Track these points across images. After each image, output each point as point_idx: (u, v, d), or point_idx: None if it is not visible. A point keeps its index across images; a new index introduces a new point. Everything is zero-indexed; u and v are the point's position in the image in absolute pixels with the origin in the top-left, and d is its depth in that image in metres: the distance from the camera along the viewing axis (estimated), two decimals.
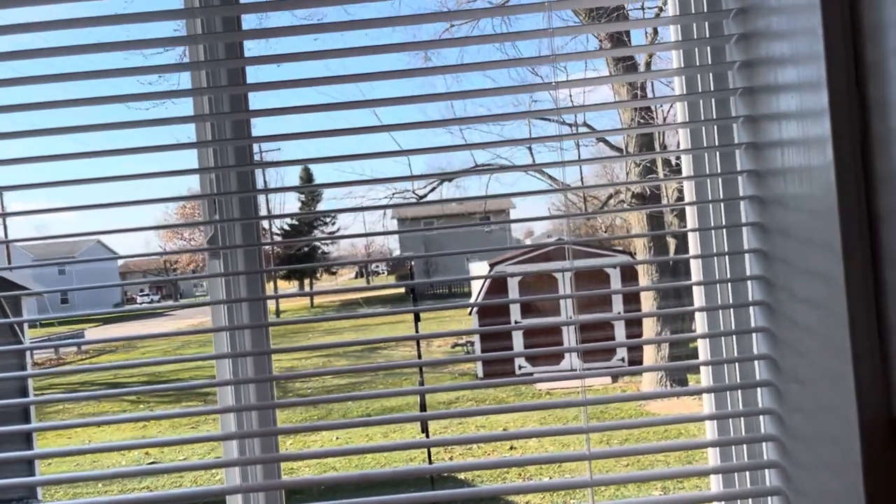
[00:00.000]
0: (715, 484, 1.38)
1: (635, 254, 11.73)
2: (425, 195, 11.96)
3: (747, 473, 1.34)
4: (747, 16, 1.25)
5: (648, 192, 9.92)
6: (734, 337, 1.35)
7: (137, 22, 1.28)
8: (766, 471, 1.32)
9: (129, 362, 1.41)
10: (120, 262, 27.33)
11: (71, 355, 17.69)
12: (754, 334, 1.32)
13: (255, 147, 1.48)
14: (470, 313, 12.53)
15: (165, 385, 1.33)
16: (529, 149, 10.95)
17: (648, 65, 9.43)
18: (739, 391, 1.35)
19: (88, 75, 1.28)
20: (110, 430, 9.92)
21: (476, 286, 12.56)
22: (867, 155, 1.01)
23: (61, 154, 1.27)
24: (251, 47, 1.40)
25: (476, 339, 12.49)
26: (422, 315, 13.06)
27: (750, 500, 1.33)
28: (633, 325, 10.98)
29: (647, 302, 9.72)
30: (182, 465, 1.33)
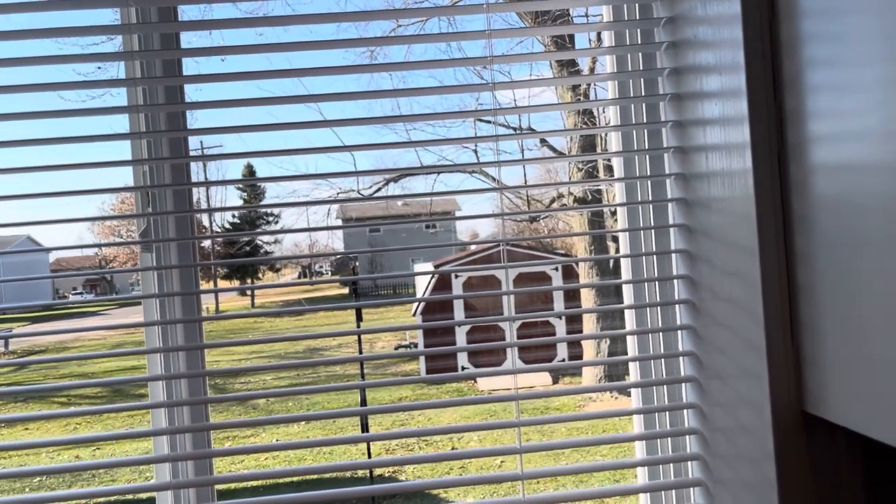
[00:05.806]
0: (642, 476, 1.43)
1: (576, 256, 11.98)
2: (370, 195, 11.97)
3: (671, 466, 1.39)
4: (676, 25, 1.30)
5: (590, 196, 10.12)
6: (661, 334, 1.40)
7: (71, 9, 1.25)
8: (689, 463, 1.37)
9: (58, 357, 1.37)
10: (51, 259, 26.32)
11: None
12: (679, 332, 1.38)
13: (197, 143, 1.46)
14: (414, 314, 12.54)
15: (96, 381, 1.30)
16: (475, 151, 11.05)
17: (592, 70, 9.62)
18: (665, 387, 1.40)
19: (20, 62, 1.24)
20: (38, 432, 9.59)
21: (420, 288, 12.59)
22: (783, 162, 1.06)
23: None
24: (193, 40, 1.39)
25: (420, 339, 12.54)
26: (365, 315, 13.01)
27: (673, 491, 1.38)
28: (574, 325, 11.19)
29: (588, 302, 9.93)
30: (111, 462, 1.30)
